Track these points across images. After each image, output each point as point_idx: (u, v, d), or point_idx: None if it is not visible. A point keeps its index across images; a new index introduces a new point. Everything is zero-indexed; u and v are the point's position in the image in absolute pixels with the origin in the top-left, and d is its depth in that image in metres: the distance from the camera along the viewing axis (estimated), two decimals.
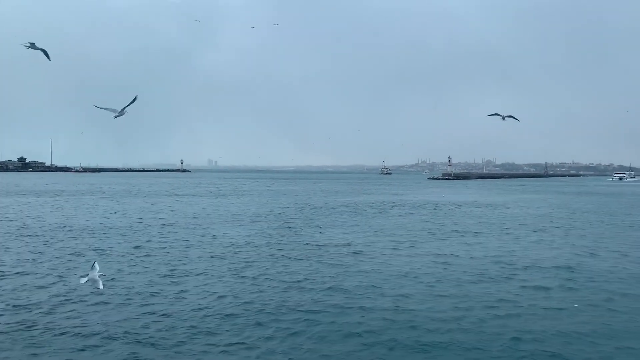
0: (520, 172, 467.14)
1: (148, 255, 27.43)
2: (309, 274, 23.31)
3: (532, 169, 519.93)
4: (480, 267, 25.30)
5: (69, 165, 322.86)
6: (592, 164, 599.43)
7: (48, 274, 22.47)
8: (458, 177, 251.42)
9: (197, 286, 20.72)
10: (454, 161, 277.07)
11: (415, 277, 22.85)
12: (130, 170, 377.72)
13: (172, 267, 24.37)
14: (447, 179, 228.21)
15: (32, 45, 18.27)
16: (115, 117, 16.97)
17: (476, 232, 39.28)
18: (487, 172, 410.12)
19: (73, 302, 17.99)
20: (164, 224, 42.24)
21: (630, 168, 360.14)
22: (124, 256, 27.19)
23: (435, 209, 62.04)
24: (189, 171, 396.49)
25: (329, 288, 20.59)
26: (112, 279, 21.55)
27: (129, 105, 16.41)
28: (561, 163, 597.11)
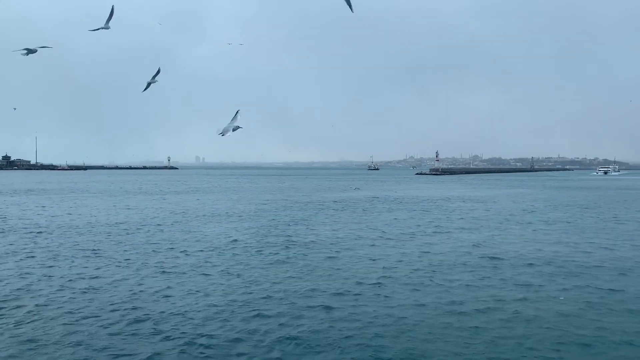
0: (507, 167, 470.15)
1: (131, 253, 27.09)
2: (294, 271, 23.14)
3: (518, 164, 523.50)
4: (465, 261, 25.27)
5: (54, 163, 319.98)
6: (578, 158, 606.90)
7: (27, 273, 22.07)
8: (445, 172, 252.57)
9: (179, 283, 20.44)
10: (441, 156, 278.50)
11: (400, 273, 22.76)
12: (117, 167, 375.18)
13: (156, 266, 24.05)
14: (434, 174, 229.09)
15: (29, 51, 18.03)
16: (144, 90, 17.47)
17: (461, 227, 39.35)
18: (474, 167, 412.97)
19: (55, 299, 17.66)
20: (147, 222, 41.82)
21: (614, 162, 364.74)
22: (107, 254, 26.80)
23: (421, 204, 62.13)
24: (176, 168, 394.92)
25: (313, 286, 20.43)
26: (95, 277, 21.25)
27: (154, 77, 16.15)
28: (547, 157, 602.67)
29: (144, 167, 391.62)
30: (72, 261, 25.07)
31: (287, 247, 29.47)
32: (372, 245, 30.59)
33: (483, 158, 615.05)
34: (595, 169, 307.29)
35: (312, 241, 31.87)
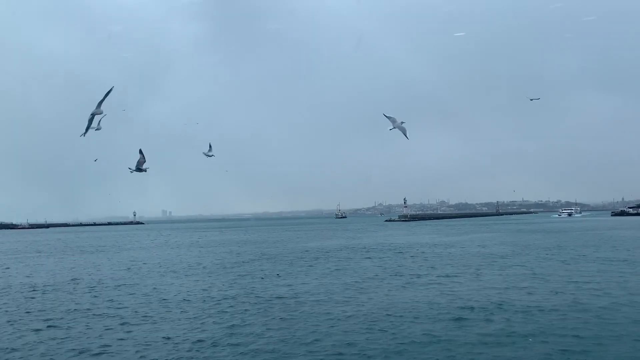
0: (474, 211, 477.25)
1: (90, 314, 25.74)
2: (257, 325, 22.28)
3: (484, 208, 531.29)
4: (431, 309, 24.82)
5: (14, 222, 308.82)
6: (541, 201, 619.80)
7: None
8: (414, 218, 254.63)
9: (138, 345, 19.33)
10: (409, 203, 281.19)
11: (361, 323, 22.15)
12: (80, 224, 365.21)
13: (115, 326, 22.84)
14: (404, 220, 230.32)
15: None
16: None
17: (431, 274, 39.02)
18: (441, 212, 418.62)
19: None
20: (108, 279, 40.17)
21: (576, 204, 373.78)
22: (66, 316, 25.37)
23: (381, 251, 61.77)
24: (142, 223, 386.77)
25: (274, 341, 19.63)
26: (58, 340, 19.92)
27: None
28: (511, 201, 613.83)
29: (109, 224, 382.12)
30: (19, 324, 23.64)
31: (249, 301, 28.57)
32: (332, 296, 29.94)
33: (450, 203, 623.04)
34: (557, 212, 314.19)
35: (278, 296, 31.01)
